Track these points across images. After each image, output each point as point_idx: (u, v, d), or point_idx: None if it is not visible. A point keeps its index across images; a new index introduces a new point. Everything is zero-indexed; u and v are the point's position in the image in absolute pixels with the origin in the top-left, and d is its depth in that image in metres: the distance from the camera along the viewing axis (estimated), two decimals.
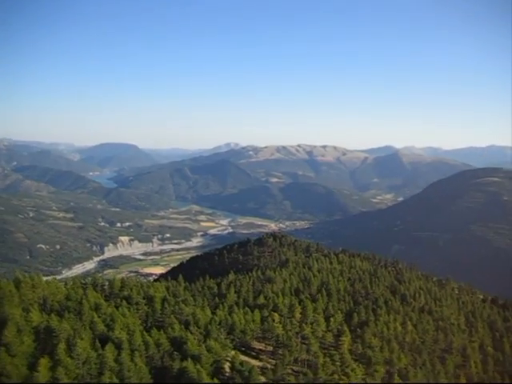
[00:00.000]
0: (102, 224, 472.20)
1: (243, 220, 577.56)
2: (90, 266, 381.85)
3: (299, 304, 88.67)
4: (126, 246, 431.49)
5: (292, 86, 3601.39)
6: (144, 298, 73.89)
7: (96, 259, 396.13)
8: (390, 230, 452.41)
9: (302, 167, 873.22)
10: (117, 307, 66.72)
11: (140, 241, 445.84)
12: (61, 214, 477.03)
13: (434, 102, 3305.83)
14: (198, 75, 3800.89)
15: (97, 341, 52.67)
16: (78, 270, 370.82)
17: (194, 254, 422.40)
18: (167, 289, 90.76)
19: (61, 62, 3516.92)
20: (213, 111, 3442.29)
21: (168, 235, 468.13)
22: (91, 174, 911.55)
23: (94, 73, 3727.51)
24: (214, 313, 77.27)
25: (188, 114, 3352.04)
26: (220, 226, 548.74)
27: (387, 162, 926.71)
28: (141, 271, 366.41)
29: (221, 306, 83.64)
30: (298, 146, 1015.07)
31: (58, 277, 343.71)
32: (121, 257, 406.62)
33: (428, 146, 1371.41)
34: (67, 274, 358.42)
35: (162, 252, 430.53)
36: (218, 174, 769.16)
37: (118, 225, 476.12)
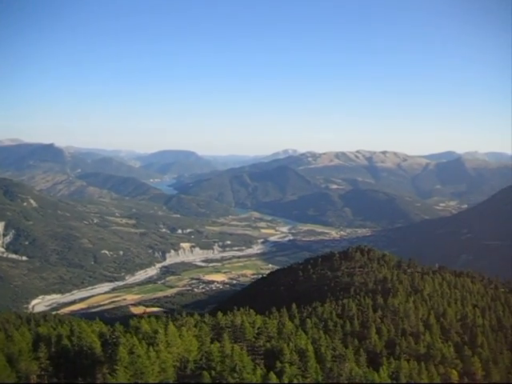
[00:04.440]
0: (164, 230, 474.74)
1: (304, 227, 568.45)
2: (152, 272, 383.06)
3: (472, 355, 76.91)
4: (187, 253, 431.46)
5: (348, 91, 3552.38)
6: (293, 352, 59.18)
7: (158, 265, 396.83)
8: (456, 238, 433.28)
9: (362, 173, 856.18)
10: (278, 373, 51.23)
11: (201, 247, 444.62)
12: (123, 221, 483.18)
13: (495, 106, 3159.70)
14: (254, 82, 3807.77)
15: None
16: (140, 276, 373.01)
17: (255, 260, 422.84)
18: (304, 332, 74.34)
19: (119, 71, 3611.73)
20: (270, 118, 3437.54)
21: (229, 242, 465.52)
22: (152, 180, 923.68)
23: (154, 81, 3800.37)
24: (391, 375, 63.06)
25: (246, 121, 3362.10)
26: (280, 233, 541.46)
27: (450, 167, 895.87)
28: (202, 278, 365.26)
29: (384, 361, 67.70)
30: (357, 151, 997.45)
31: (121, 283, 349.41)
32: (182, 263, 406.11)
33: (491, 152, 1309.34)
34: (130, 280, 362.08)
35: (223, 259, 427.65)
36: (278, 181, 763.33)
37: (179, 231, 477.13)
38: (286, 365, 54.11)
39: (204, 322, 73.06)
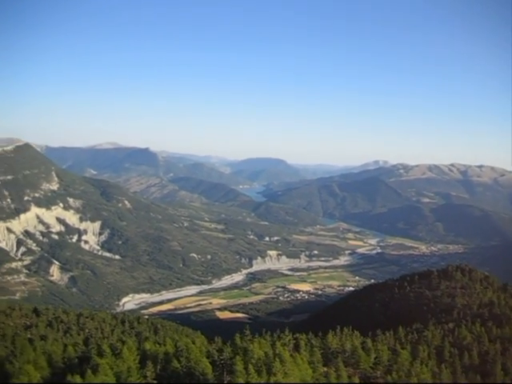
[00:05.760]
0: (251, 237, 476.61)
1: (392, 240, 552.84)
2: (238, 278, 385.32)
3: None
4: (273, 261, 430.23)
5: (445, 104, 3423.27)
6: None
7: (244, 271, 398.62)
8: None
9: (456, 188, 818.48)
10: None
11: (288, 256, 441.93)
12: (212, 225, 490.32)
13: None
14: (347, 93, 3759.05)
15: None
16: (226, 281, 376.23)
17: (341, 272, 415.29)
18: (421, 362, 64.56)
19: (211, 81, 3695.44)
20: (360, 128, 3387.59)
21: (315, 252, 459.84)
22: (241, 187, 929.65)
23: (246, 93, 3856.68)
24: None
25: (336, 130, 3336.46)
26: (368, 245, 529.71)
27: None
28: (288, 287, 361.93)
29: None
30: (452, 165, 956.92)
31: (207, 287, 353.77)
32: (268, 271, 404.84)
33: None
34: (216, 284, 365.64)
35: (309, 268, 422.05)
36: (367, 192, 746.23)
37: (267, 239, 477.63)
38: None
39: (311, 343, 65.74)
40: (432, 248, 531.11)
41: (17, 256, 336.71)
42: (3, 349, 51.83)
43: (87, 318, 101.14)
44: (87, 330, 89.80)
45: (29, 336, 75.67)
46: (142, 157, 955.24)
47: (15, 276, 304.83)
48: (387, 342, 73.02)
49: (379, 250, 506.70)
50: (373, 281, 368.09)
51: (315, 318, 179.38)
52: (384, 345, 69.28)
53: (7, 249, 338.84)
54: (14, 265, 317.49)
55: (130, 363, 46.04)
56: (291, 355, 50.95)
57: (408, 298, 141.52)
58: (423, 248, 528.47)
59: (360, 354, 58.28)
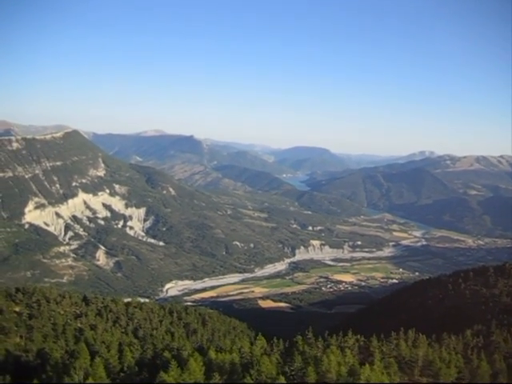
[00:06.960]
0: (294, 226, 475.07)
1: (438, 233, 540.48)
2: (280, 267, 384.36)
3: None
4: (316, 250, 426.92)
5: (492, 95, 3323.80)
6: None
7: (287, 261, 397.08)
8: None
9: (505, 180, 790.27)
10: None
11: (331, 246, 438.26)
12: (256, 214, 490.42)
13: None
14: (395, 85, 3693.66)
15: None
16: (269, 269, 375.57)
17: (385, 263, 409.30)
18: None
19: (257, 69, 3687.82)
20: (406, 119, 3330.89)
21: (359, 242, 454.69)
22: (284, 175, 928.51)
23: (290, 82, 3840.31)
24: None
25: (381, 120, 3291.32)
26: (413, 237, 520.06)
27: None
28: (330, 277, 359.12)
29: None
30: (501, 156, 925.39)
31: (250, 275, 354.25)
32: (311, 261, 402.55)
33: None
34: (259, 273, 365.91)
35: (352, 259, 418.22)
36: (412, 183, 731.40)
37: (310, 228, 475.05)
38: None
39: (382, 350, 59.56)
40: (479, 242, 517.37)
41: (65, 240, 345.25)
42: (58, 349, 51.39)
43: (135, 307, 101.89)
44: (136, 321, 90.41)
45: (79, 325, 76.48)
46: (186, 144, 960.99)
47: (63, 260, 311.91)
48: (454, 348, 67.89)
49: (424, 243, 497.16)
50: (417, 273, 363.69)
51: (365, 311, 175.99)
52: (458, 353, 63.99)
53: (56, 233, 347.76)
54: (61, 249, 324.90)
55: (196, 375, 43.07)
56: (371, 368, 46.43)
57: (464, 295, 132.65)
58: (469, 241, 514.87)
59: (440, 365, 52.71)
